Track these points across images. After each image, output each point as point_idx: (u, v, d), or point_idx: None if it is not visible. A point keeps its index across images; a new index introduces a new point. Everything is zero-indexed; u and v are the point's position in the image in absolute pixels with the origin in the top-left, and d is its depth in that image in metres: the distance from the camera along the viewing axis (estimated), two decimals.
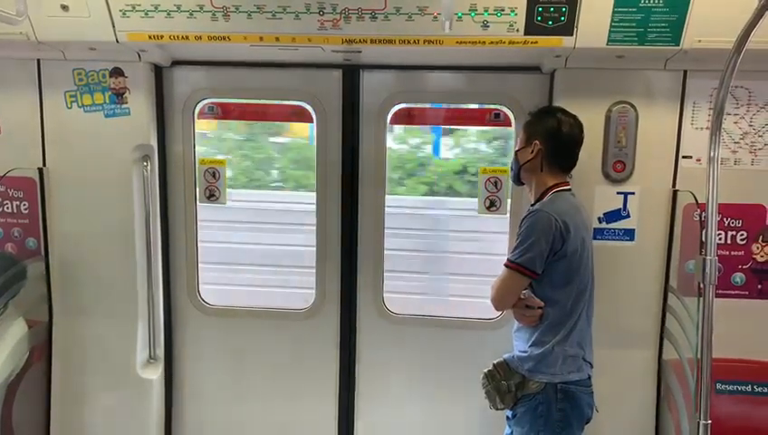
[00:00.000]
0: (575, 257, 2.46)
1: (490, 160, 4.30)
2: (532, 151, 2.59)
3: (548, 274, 2.46)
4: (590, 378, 2.55)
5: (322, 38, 2.77)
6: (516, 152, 2.72)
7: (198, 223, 3.49)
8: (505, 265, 2.52)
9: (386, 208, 3.39)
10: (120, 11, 2.74)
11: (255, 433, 3.60)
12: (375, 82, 3.30)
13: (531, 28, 2.65)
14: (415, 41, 2.73)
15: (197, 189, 3.44)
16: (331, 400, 3.53)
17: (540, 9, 2.61)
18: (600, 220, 3.01)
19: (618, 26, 2.61)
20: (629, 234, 3.01)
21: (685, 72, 2.90)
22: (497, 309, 2.89)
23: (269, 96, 3.48)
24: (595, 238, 2.89)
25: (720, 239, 2.96)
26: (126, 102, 3.16)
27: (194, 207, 3.45)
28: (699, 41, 2.60)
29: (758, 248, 2.98)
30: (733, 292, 3.00)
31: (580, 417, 2.51)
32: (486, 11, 2.63)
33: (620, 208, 3.01)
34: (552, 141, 2.58)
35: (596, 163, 2.98)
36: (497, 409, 2.59)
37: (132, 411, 3.39)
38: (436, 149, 4.71)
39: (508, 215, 3.30)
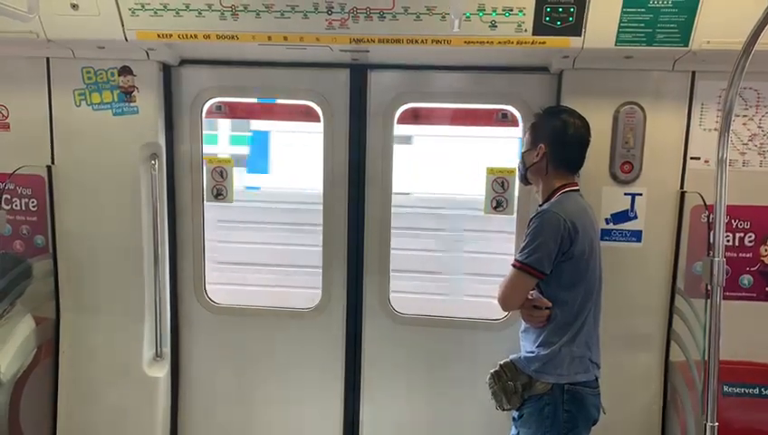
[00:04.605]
0: (583, 258, 2.45)
1: None
2: (538, 155, 2.58)
3: (556, 274, 2.45)
4: (597, 379, 2.54)
5: (330, 37, 2.77)
6: (523, 154, 2.72)
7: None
8: (513, 266, 2.51)
9: (392, 208, 3.39)
10: (130, 9, 2.75)
11: (261, 431, 3.61)
12: (382, 82, 3.29)
13: (539, 28, 2.64)
14: (423, 40, 2.73)
15: (204, 188, 3.44)
16: (336, 399, 3.53)
17: (548, 9, 2.60)
18: (607, 221, 3.00)
19: (626, 27, 2.61)
20: (637, 235, 3.00)
21: (693, 73, 2.89)
22: (504, 309, 2.88)
23: (277, 95, 3.48)
24: (602, 239, 2.87)
25: (728, 241, 2.94)
26: (134, 101, 3.17)
27: (201, 205, 3.46)
28: (708, 42, 2.59)
29: (766, 250, 2.97)
30: (740, 294, 2.99)
31: (586, 418, 2.50)
32: (495, 11, 2.62)
33: (628, 210, 3.00)
34: (557, 144, 2.56)
35: (603, 164, 2.97)
36: (504, 409, 2.58)
37: (138, 409, 3.40)
38: None
39: (515, 215, 3.29)
